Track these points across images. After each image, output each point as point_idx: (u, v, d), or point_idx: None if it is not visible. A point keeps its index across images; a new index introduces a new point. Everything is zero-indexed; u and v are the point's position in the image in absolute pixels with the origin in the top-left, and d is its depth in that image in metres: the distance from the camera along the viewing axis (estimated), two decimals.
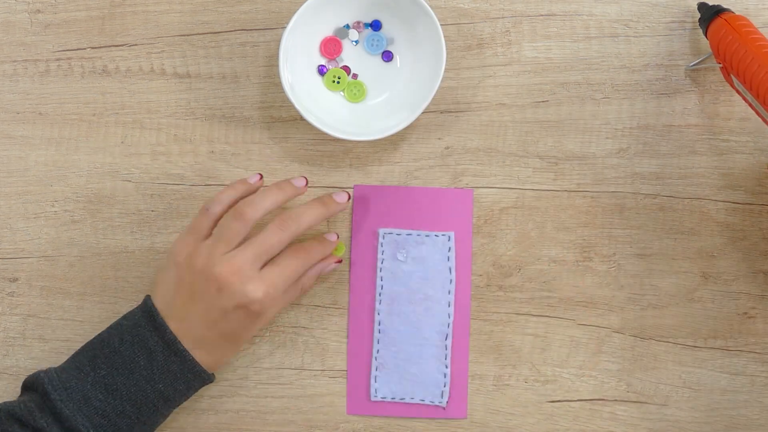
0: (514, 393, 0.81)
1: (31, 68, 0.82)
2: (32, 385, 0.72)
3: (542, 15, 0.81)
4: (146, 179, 0.81)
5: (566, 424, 0.81)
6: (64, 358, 0.81)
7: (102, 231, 0.82)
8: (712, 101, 0.81)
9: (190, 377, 0.73)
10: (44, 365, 0.81)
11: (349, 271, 0.81)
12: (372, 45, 0.80)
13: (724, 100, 0.81)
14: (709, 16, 0.76)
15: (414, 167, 0.81)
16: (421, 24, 0.77)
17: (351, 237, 0.81)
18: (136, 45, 0.82)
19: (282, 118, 0.82)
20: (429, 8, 0.76)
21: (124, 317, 0.74)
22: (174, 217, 0.81)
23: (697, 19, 0.79)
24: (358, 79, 0.81)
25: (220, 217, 0.75)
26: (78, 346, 0.81)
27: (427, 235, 0.80)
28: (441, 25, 0.76)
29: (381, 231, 0.81)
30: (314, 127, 0.77)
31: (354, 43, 0.81)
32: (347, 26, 0.80)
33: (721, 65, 0.76)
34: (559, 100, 0.81)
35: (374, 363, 0.80)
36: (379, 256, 0.81)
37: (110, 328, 0.74)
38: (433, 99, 0.77)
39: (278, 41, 0.78)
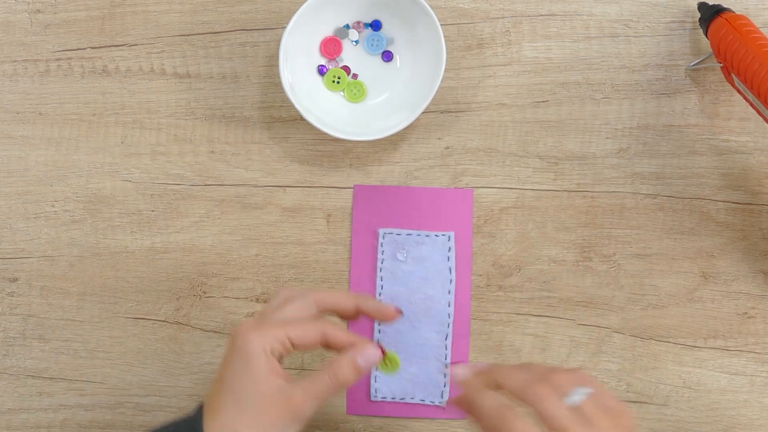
0: None
1: (31, 68, 0.82)
2: None
3: (542, 15, 0.81)
4: (146, 179, 0.82)
5: None
6: (64, 358, 0.81)
7: (102, 231, 0.82)
8: (712, 101, 0.81)
9: None
10: (44, 365, 0.81)
11: (349, 271, 0.81)
12: (372, 45, 0.81)
13: (724, 100, 0.81)
14: (710, 15, 0.76)
15: (414, 167, 0.81)
16: (421, 24, 0.77)
17: (351, 237, 0.81)
18: (136, 45, 0.82)
19: (282, 118, 0.82)
20: (429, 8, 0.76)
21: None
22: (174, 217, 0.81)
23: (697, 18, 0.79)
24: (358, 79, 0.81)
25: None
26: (78, 346, 0.81)
27: (427, 235, 0.80)
28: (441, 25, 0.76)
29: (381, 231, 0.81)
30: (314, 127, 0.77)
31: (354, 43, 0.81)
32: (347, 26, 0.81)
33: (721, 65, 0.76)
34: (559, 100, 0.81)
35: None
36: (379, 256, 0.81)
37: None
38: (433, 99, 0.77)
39: (278, 41, 0.78)
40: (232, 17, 0.82)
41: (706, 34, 0.77)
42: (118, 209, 0.82)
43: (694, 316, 0.81)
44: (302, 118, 0.78)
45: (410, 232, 0.80)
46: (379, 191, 0.81)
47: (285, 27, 0.75)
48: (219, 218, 0.81)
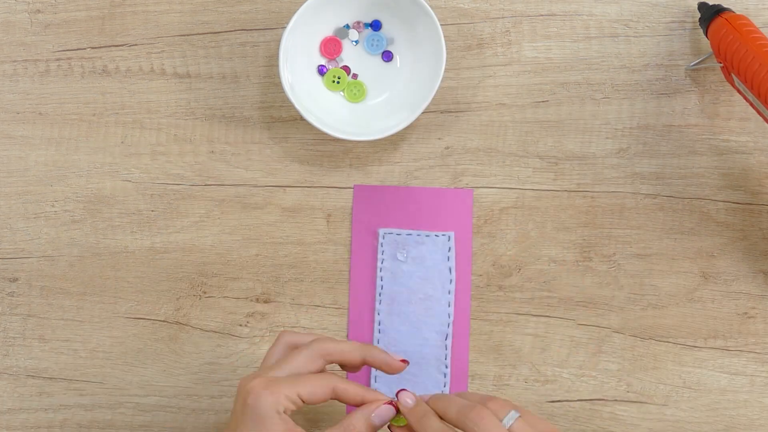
0: (514, 393, 0.81)
1: (31, 68, 0.82)
2: None
3: (542, 15, 0.81)
4: (146, 179, 0.82)
5: (566, 424, 0.81)
6: (64, 358, 0.81)
7: (102, 231, 0.82)
8: (712, 101, 0.81)
9: None
10: (44, 365, 0.81)
11: (349, 271, 0.81)
12: (372, 45, 0.81)
13: (724, 100, 0.81)
14: (710, 15, 0.76)
15: (414, 167, 0.81)
16: (421, 24, 0.77)
17: (351, 237, 0.81)
18: (136, 45, 0.82)
19: (282, 118, 0.82)
20: (429, 8, 0.76)
21: None
22: (174, 217, 0.81)
23: (697, 18, 0.79)
24: (358, 79, 0.81)
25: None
26: (78, 346, 0.81)
27: (427, 235, 0.80)
28: (441, 25, 0.76)
29: (381, 231, 0.81)
30: (314, 127, 0.77)
31: (354, 43, 0.81)
32: (347, 26, 0.80)
33: (721, 65, 0.76)
34: (559, 100, 0.81)
35: None
36: (379, 256, 0.81)
37: None
38: (433, 99, 0.77)
39: (278, 41, 0.78)
40: (232, 17, 0.82)
41: (706, 34, 0.77)
42: (118, 209, 0.82)
43: (694, 316, 0.81)
44: (302, 118, 0.78)
45: (410, 232, 0.80)
46: (379, 191, 0.81)
47: (285, 27, 0.75)
48: (219, 218, 0.81)
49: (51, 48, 0.82)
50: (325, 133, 0.77)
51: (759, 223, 0.81)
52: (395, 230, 0.80)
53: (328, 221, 0.81)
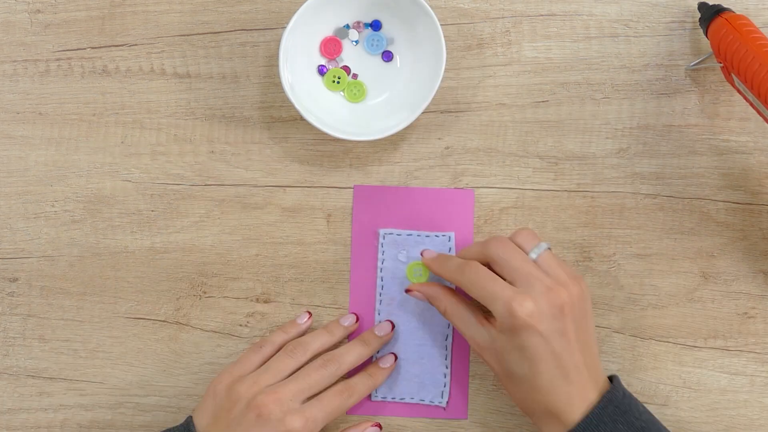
0: None
1: (31, 68, 0.82)
2: None
3: (542, 15, 0.81)
4: (146, 179, 0.82)
5: None
6: (64, 358, 0.81)
7: (102, 231, 0.82)
8: (712, 101, 0.81)
9: None
10: (44, 365, 0.81)
11: (350, 271, 0.81)
12: (372, 45, 0.80)
13: (724, 100, 0.81)
14: (710, 15, 0.76)
15: (414, 167, 0.81)
16: (421, 24, 0.77)
17: (351, 237, 0.81)
18: (136, 45, 0.82)
19: (282, 118, 0.82)
20: (429, 8, 0.76)
21: None
22: (174, 217, 0.81)
23: (697, 18, 0.79)
24: (358, 79, 0.81)
25: (270, 356, 0.77)
26: (78, 346, 0.81)
27: (427, 236, 0.80)
28: (441, 25, 0.76)
29: (381, 231, 0.81)
30: (314, 127, 0.77)
31: (354, 43, 0.81)
32: (347, 26, 0.80)
33: (721, 65, 0.76)
34: (559, 100, 0.81)
35: None
36: (380, 256, 0.81)
37: None
38: (433, 99, 0.77)
39: (278, 41, 0.78)
40: (232, 17, 0.82)
41: (706, 34, 0.77)
42: (118, 209, 0.82)
43: (694, 316, 0.81)
44: (302, 118, 0.78)
45: (410, 232, 0.80)
46: (379, 191, 0.81)
47: (285, 27, 0.75)
48: (219, 218, 0.81)
49: (51, 48, 0.82)
50: (325, 133, 0.76)
51: (759, 223, 0.81)
52: (395, 230, 0.80)
53: (328, 221, 0.81)
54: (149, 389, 0.81)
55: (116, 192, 0.82)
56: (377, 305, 0.81)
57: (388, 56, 0.81)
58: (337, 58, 0.81)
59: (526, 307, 0.68)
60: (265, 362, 0.76)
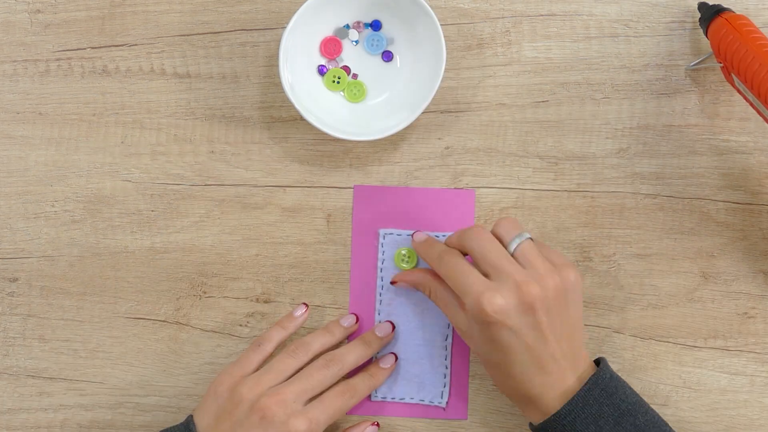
0: None
1: (31, 68, 0.82)
2: None
3: (542, 15, 0.81)
4: (146, 179, 0.82)
5: None
6: (64, 358, 0.81)
7: (102, 231, 0.82)
8: (712, 101, 0.81)
9: None
10: (44, 365, 0.81)
11: (350, 271, 0.81)
12: (372, 45, 0.80)
13: (724, 100, 0.81)
14: (710, 15, 0.76)
15: (414, 167, 0.81)
16: (421, 24, 0.77)
17: (351, 237, 0.81)
18: (136, 45, 0.82)
19: (282, 118, 0.82)
20: (429, 8, 0.76)
21: None
22: (174, 217, 0.81)
23: (697, 18, 0.79)
24: (358, 79, 0.81)
25: (270, 355, 0.77)
26: (78, 346, 0.81)
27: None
28: (441, 25, 0.76)
29: (382, 231, 0.81)
30: (314, 127, 0.77)
31: (354, 43, 0.81)
32: (347, 26, 0.80)
33: (721, 65, 0.76)
34: (559, 100, 0.81)
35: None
36: (380, 256, 0.81)
37: None
38: (433, 99, 0.77)
39: (278, 41, 0.78)
40: (232, 17, 0.81)
41: (706, 34, 0.77)
42: (118, 209, 0.82)
43: (694, 316, 0.81)
44: (302, 118, 0.78)
45: (410, 232, 0.80)
46: (379, 191, 0.81)
47: (285, 27, 0.75)
48: (219, 218, 0.81)
49: (51, 48, 0.82)
50: (325, 133, 0.76)
51: (759, 223, 0.81)
52: (395, 230, 0.80)
53: (328, 221, 0.81)
54: (149, 389, 0.81)
55: (116, 192, 0.82)
56: (377, 305, 0.81)
57: (388, 56, 0.81)
58: (337, 58, 0.81)
59: (494, 302, 0.68)
60: (265, 361, 0.76)
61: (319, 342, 0.77)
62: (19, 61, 0.82)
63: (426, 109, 0.77)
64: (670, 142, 0.81)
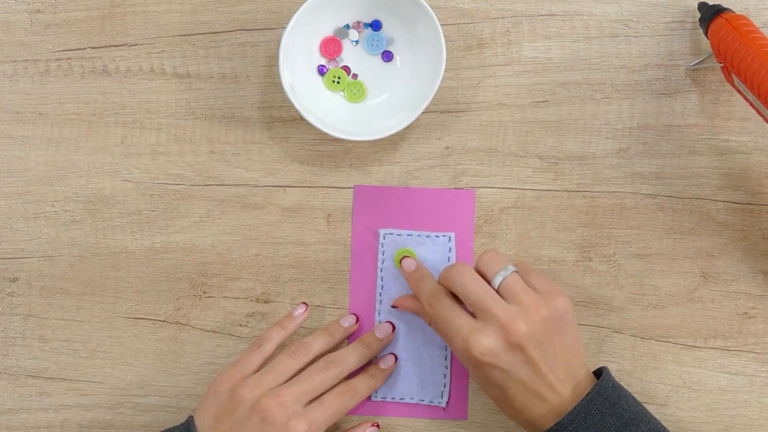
0: None
1: (31, 68, 0.82)
2: None
3: (542, 15, 0.81)
4: (146, 179, 0.82)
5: None
6: (64, 358, 0.81)
7: (102, 231, 0.82)
8: (712, 101, 0.81)
9: None
10: (44, 365, 0.81)
11: (350, 271, 0.81)
12: (372, 45, 0.80)
13: (724, 100, 0.81)
14: (710, 15, 0.76)
15: (414, 167, 0.81)
16: (421, 24, 0.77)
17: (351, 237, 0.81)
18: (136, 45, 0.82)
19: (282, 118, 0.82)
20: (429, 8, 0.76)
21: None
22: (174, 217, 0.81)
23: (697, 18, 0.79)
24: (358, 79, 0.81)
25: (270, 355, 0.77)
26: (78, 346, 0.81)
27: (427, 236, 0.80)
28: (441, 25, 0.76)
29: (381, 231, 0.81)
30: (314, 127, 0.77)
31: (354, 43, 0.81)
32: (347, 26, 0.80)
33: (721, 65, 0.76)
34: (559, 100, 0.81)
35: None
36: (380, 256, 0.81)
37: None
38: (433, 99, 0.77)
39: (278, 41, 0.78)
40: (232, 17, 0.82)
41: (706, 34, 0.77)
42: (118, 209, 0.82)
43: (694, 316, 0.81)
44: (302, 118, 0.78)
45: (411, 232, 0.80)
46: (379, 191, 0.81)
47: (285, 27, 0.75)
48: (219, 218, 0.81)
49: (51, 48, 0.82)
50: (325, 133, 0.76)
51: (759, 223, 0.81)
52: (395, 230, 0.80)
53: (328, 221, 0.81)
54: (149, 389, 0.81)
55: (116, 192, 0.82)
56: (377, 305, 0.81)
57: (388, 56, 0.81)
58: (337, 58, 0.81)
59: (481, 345, 0.69)
60: (265, 362, 0.76)
61: (319, 343, 0.77)
62: (19, 61, 0.82)
63: (426, 109, 0.77)
64: (670, 142, 0.81)
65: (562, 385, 0.70)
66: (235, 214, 0.81)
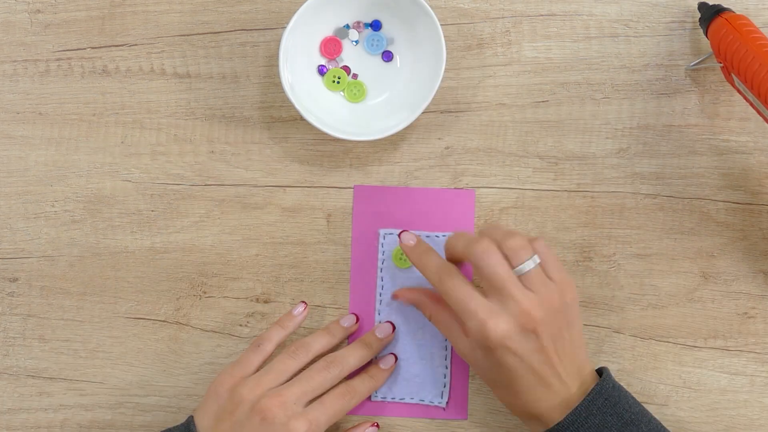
0: None
1: (31, 68, 0.82)
2: None
3: (542, 15, 0.81)
4: (146, 179, 0.82)
5: None
6: (64, 358, 0.81)
7: (102, 231, 0.82)
8: (712, 101, 0.81)
9: None
10: (44, 365, 0.81)
11: (350, 271, 0.81)
12: (372, 45, 0.80)
13: (724, 100, 0.81)
14: (710, 15, 0.76)
15: (414, 167, 0.81)
16: (421, 24, 0.77)
17: (351, 237, 0.81)
18: (136, 45, 0.82)
19: (282, 118, 0.82)
20: (429, 8, 0.76)
21: None
22: (174, 217, 0.81)
23: (697, 18, 0.79)
24: (358, 79, 0.81)
25: (270, 355, 0.77)
26: (78, 346, 0.81)
27: (427, 236, 0.80)
28: (441, 25, 0.76)
29: (382, 231, 0.81)
30: (314, 127, 0.77)
31: (354, 43, 0.81)
32: (347, 26, 0.80)
33: (721, 65, 0.76)
34: (559, 100, 0.81)
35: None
36: (380, 256, 0.81)
37: None
38: (433, 99, 0.77)
39: (278, 41, 0.78)
40: (232, 17, 0.82)
41: (706, 34, 0.77)
42: (118, 209, 0.82)
43: (694, 316, 0.81)
44: (302, 118, 0.78)
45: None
46: (379, 191, 0.81)
47: (285, 27, 0.75)
48: (219, 218, 0.81)
49: (51, 48, 0.82)
50: (325, 133, 0.77)
51: (759, 223, 0.81)
52: (396, 231, 0.80)
53: (328, 221, 0.81)
54: (149, 389, 0.81)
55: (116, 192, 0.82)
56: (377, 305, 0.81)
57: (388, 56, 0.81)
58: (337, 58, 0.81)
59: (500, 328, 0.69)
60: (265, 362, 0.76)
61: (319, 343, 0.77)
62: (19, 61, 0.82)
63: (426, 109, 0.77)
64: (670, 142, 0.81)
65: (569, 376, 0.70)
66: (235, 214, 0.81)
